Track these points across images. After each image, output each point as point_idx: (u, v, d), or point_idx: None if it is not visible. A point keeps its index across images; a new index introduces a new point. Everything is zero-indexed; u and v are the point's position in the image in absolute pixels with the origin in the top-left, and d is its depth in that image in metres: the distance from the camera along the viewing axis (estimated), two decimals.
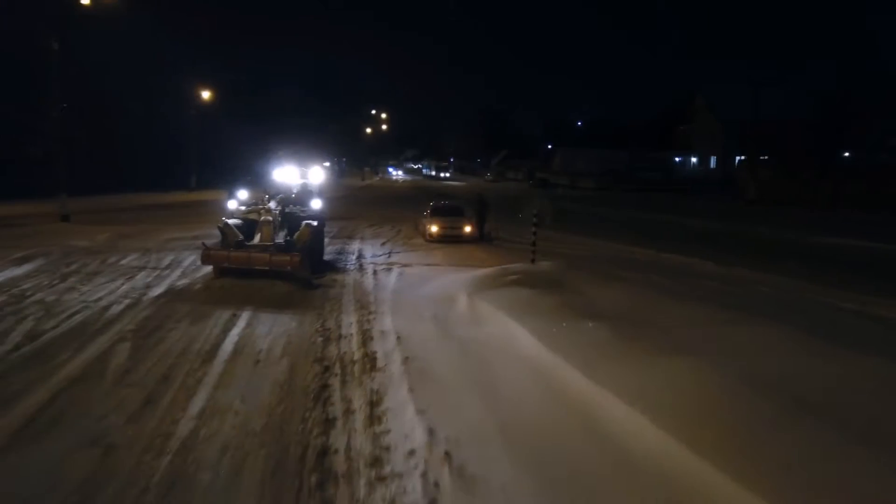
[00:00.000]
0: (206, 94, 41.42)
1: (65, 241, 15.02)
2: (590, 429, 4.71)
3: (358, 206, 31.53)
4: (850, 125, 36.57)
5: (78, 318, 8.29)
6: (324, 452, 4.49)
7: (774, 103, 46.24)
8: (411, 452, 4.39)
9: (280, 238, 11.72)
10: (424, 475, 4.06)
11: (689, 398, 4.60)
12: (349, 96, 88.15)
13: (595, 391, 5.12)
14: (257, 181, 15.66)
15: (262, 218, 11.80)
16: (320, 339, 7.60)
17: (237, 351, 7.02)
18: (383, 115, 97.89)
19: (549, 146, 78.69)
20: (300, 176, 14.52)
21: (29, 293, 9.66)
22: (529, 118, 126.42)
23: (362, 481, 4.07)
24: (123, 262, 12.79)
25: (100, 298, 9.48)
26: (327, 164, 76.12)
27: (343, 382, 6.00)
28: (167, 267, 12.31)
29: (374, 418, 5.06)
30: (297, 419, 5.11)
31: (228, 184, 15.60)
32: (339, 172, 78.29)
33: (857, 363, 5.30)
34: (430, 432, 4.64)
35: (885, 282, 12.47)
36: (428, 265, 13.37)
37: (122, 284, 10.57)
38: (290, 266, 10.49)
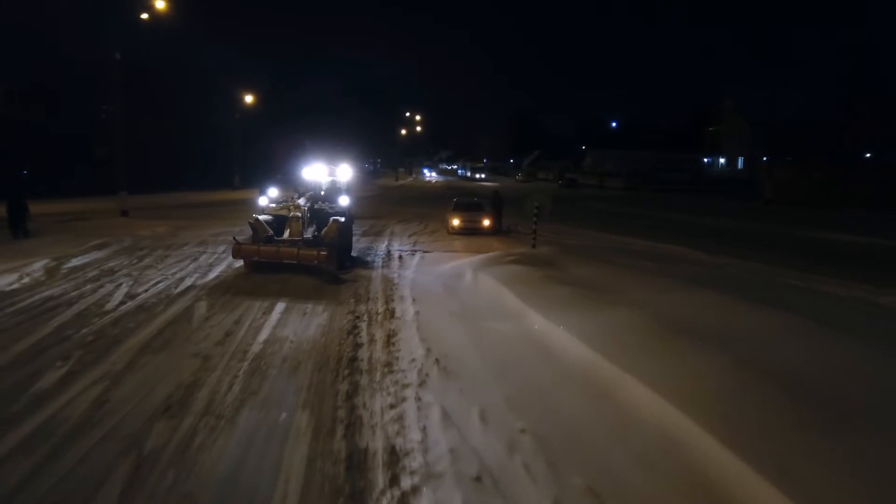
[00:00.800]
0: (248, 98, 44.15)
1: (130, 232, 17.27)
2: (541, 348, 6.67)
3: (390, 204, 33.55)
4: (861, 125, 37.45)
5: (161, 285, 10.48)
6: (353, 360, 6.53)
7: (800, 104, 46.55)
8: (412, 360, 6.40)
9: (309, 234, 12.10)
10: (419, 370, 6.06)
11: (608, 328, 6.55)
12: (382, 96, 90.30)
13: (550, 327, 7.07)
14: (288, 179, 16.61)
15: (291, 214, 12.14)
16: (353, 300, 9.65)
17: (288, 308, 9.09)
18: (417, 117, 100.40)
19: (583, 147, 79.75)
20: (328, 174, 14.99)
21: (116, 269, 11.90)
22: (562, 119, 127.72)
23: (378, 374, 6.08)
24: (185, 248, 14.98)
25: (174, 273, 11.68)
26: (365, 164, 79.02)
27: (369, 325, 8.03)
28: (223, 252, 14.46)
29: (389, 344, 7.09)
30: (335, 344, 7.15)
31: (261, 182, 16.92)
32: (374, 173, 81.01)
33: (749, 312, 7.14)
34: (427, 350, 6.64)
35: (855, 268, 13.89)
36: (446, 252, 15.32)
37: (190, 263, 12.76)
38: (318, 261, 10.86)
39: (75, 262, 12.19)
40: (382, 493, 3.89)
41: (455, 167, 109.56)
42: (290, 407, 5.28)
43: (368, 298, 9.77)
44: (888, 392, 4.76)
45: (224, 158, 41.80)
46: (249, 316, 8.51)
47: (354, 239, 15.11)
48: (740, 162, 64.73)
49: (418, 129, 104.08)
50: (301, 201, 12.70)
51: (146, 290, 9.99)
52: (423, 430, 4.75)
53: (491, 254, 13.19)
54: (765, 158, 48.10)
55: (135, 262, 12.84)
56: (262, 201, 13.17)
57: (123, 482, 3.97)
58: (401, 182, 71.26)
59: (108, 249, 14.23)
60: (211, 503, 3.83)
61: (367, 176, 70.62)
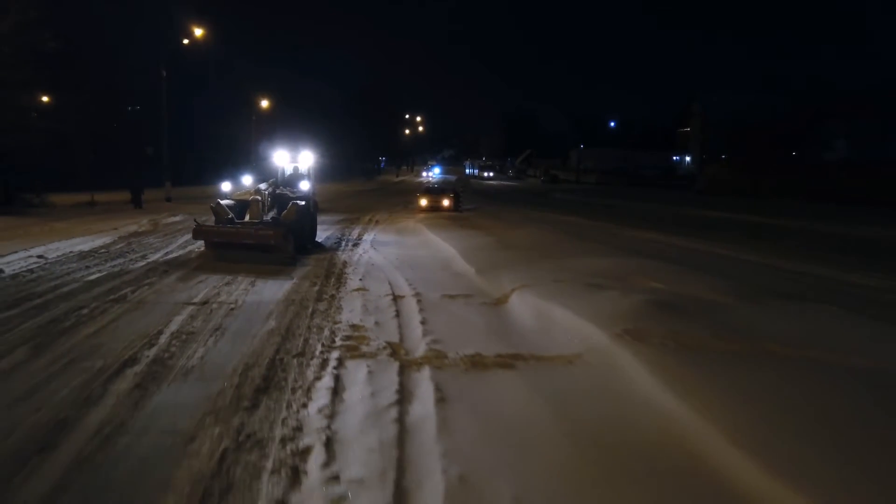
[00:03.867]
0: (264, 103, 50.82)
1: (181, 210, 23.69)
2: (448, 269, 13.11)
3: (384, 195, 40.13)
4: (785, 127, 43.94)
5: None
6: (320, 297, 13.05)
7: (765, 105, 52.24)
8: (362, 279, 12.92)
9: (269, 216, 12.43)
10: (363, 278, 12.56)
11: (468, 244, 13.12)
12: (383, 99, 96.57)
13: (440, 242, 13.61)
14: (260, 167, 17.52)
15: (251, 198, 12.64)
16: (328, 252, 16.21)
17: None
18: (418, 118, 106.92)
19: (577, 145, 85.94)
20: (290, 160, 15.64)
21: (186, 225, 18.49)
22: (557, 118, 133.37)
23: (351, 266, 12.63)
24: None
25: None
26: (370, 163, 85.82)
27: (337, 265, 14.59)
28: None
29: (346, 277, 13.56)
30: (307, 288, 13.69)
31: (233, 172, 19.23)
32: (376, 170, 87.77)
33: (622, 259, 13.71)
34: (371, 265, 13.18)
35: (732, 235, 18.98)
36: (409, 217, 21.84)
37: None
38: (273, 240, 11.12)
39: (165, 221, 18.82)
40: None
41: (464, 165, 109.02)
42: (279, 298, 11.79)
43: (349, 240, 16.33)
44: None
45: (247, 156, 48.41)
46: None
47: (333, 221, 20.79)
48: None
49: (420, 129, 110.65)
50: (262, 186, 13.27)
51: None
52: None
53: (433, 214, 19.85)
54: (678, 157, 54.60)
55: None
56: (226, 187, 14.17)
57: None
58: (401, 178, 78.09)
59: (178, 217, 20.79)
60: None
61: (372, 172, 77.64)
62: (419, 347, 5.83)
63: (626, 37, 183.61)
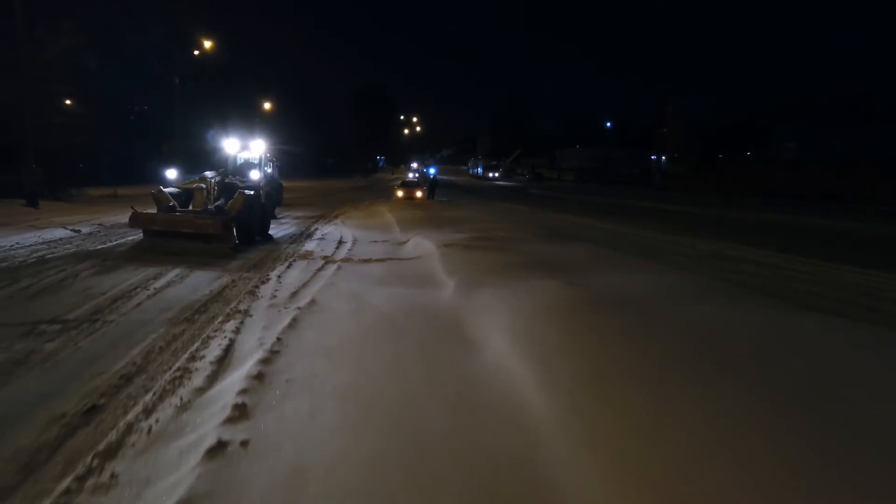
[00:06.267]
0: (266, 105, 55.63)
1: None
2: (386, 230, 17.94)
3: (372, 191, 45.07)
4: (746, 130, 48.92)
5: None
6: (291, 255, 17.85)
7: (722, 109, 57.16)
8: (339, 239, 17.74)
9: (220, 205, 11.85)
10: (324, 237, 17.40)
11: (407, 217, 17.94)
12: (383, 102, 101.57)
13: (394, 222, 18.41)
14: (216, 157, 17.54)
15: (195, 185, 12.14)
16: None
17: None
18: (414, 119, 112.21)
19: (558, 147, 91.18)
20: (241, 148, 15.22)
21: None
22: (549, 119, 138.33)
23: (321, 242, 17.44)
24: None
25: None
26: (370, 163, 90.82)
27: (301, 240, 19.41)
28: None
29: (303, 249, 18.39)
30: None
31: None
32: (374, 169, 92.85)
33: (505, 224, 18.53)
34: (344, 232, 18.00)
35: (672, 224, 23.96)
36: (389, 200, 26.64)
37: None
38: (213, 230, 10.58)
39: None
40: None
41: (468, 166, 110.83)
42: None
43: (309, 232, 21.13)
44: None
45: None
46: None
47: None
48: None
49: (418, 129, 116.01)
50: (208, 174, 12.75)
51: None
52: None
53: (399, 203, 24.70)
54: (656, 156, 59.48)
55: None
56: (171, 174, 13.87)
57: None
58: (396, 176, 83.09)
59: None
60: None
61: (370, 171, 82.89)
62: (340, 257, 10.67)
63: (621, 39, 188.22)
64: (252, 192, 12.32)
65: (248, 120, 53.94)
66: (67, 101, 28.38)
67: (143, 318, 6.46)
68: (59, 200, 22.76)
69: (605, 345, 4.35)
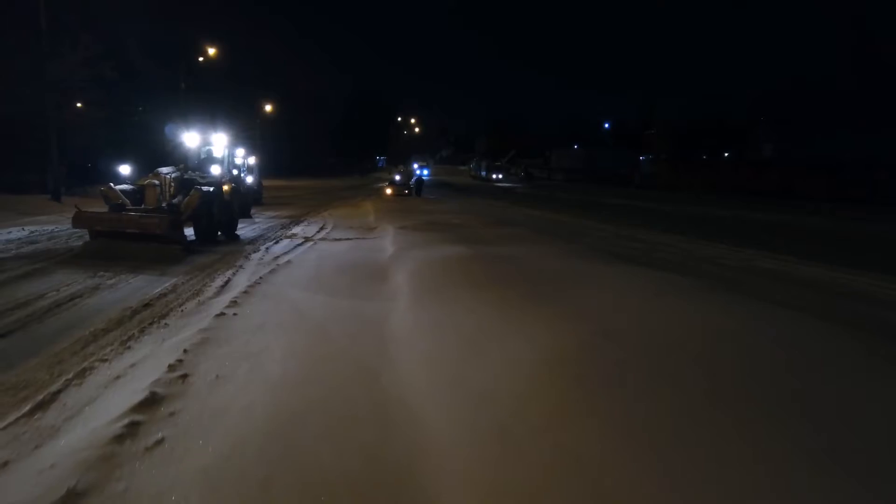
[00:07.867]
0: (268, 108, 58.25)
1: None
2: (362, 219, 20.60)
3: (365, 189, 47.73)
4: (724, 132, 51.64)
5: None
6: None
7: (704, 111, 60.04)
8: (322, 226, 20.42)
9: (175, 203, 11.45)
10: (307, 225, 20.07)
11: (386, 207, 20.62)
12: (383, 103, 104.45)
13: (372, 212, 21.07)
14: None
15: (148, 182, 11.49)
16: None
17: None
18: (412, 120, 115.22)
19: (553, 147, 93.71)
20: (202, 142, 14.53)
21: None
22: (544, 120, 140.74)
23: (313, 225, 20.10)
24: None
25: None
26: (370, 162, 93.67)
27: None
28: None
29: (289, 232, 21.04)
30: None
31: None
32: (373, 168, 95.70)
33: (467, 217, 21.21)
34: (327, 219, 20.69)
35: (641, 220, 26.72)
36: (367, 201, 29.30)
37: None
38: (159, 229, 9.97)
39: None
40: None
41: (468, 166, 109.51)
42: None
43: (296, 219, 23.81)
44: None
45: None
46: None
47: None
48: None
49: (416, 129, 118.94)
50: (164, 170, 12.04)
51: None
52: None
53: (385, 197, 27.40)
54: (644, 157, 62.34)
55: None
56: (124, 170, 12.94)
57: None
58: (393, 175, 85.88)
59: None
60: None
61: (368, 170, 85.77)
62: (318, 238, 13.34)
63: (616, 43, 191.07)
64: (212, 189, 11.78)
65: (248, 121, 57.11)
66: (79, 105, 31.07)
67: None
68: (77, 196, 25.48)
69: (466, 274, 7.08)
